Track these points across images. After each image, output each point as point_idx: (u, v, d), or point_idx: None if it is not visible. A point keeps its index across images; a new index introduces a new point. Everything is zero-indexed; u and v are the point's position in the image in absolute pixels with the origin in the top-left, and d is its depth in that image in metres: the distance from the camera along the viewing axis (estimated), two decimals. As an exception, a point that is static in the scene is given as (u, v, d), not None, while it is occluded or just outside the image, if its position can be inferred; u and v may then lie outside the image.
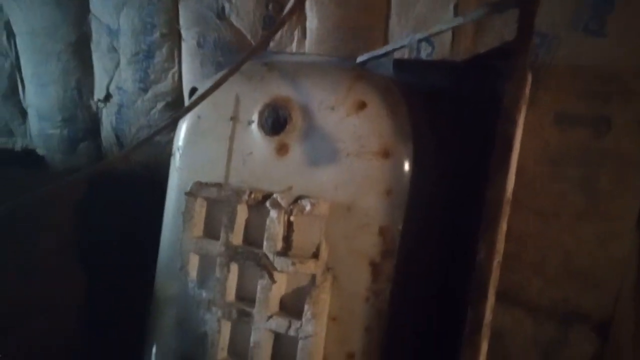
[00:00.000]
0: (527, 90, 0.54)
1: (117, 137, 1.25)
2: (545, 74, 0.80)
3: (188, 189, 0.69)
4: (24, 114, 1.40)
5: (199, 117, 0.73)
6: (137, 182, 1.24)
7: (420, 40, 0.72)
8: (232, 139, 0.70)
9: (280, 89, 0.68)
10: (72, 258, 1.09)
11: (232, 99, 0.70)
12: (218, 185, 0.68)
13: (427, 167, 0.65)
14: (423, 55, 0.88)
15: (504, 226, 0.56)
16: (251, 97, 0.69)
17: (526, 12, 0.52)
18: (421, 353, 0.65)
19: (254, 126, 0.68)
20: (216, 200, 0.68)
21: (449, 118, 0.73)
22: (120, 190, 1.23)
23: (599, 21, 0.75)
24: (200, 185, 0.69)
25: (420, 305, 0.65)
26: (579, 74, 0.78)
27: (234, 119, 0.70)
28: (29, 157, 1.35)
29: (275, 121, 0.66)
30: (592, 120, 0.80)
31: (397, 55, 0.88)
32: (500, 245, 0.56)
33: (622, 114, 0.77)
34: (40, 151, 1.38)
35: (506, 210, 0.56)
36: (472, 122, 0.70)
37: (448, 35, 0.85)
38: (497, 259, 0.56)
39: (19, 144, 1.45)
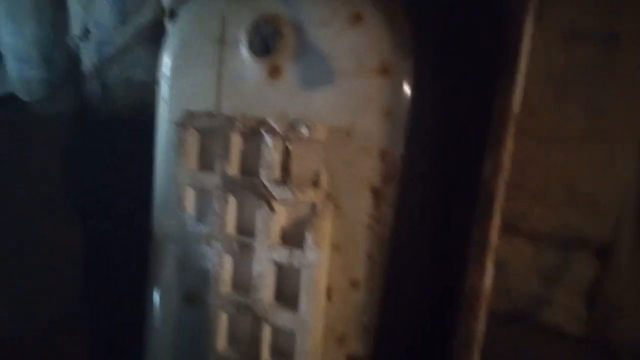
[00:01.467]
0: (534, 5, 0.49)
1: (100, 77, 1.19)
2: (553, -13, 0.74)
3: (178, 119, 0.65)
4: (0, 57, 1.32)
5: (182, 41, 0.68)
6: (123, 124, 1.19)
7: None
8: (220, 63, 0.65)
9: (269, 5, 0.62)
10: (62, 204, 1.07)
11: (218, 20, 0.65)
12: (209, 113, 0.64)
13: (428, 87, 0.61)
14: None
15: (509, 144, 0.54)
16: (238, 15, 0.64)
17: None
18: (424, 280, 0.64)
19: (243, 48, 0.63)
20: (208, 130, 0.64)
21: (452, 36, 0.68)
22: (107, 133, 1.19)
23: None
24: (190, 115, 0.65)
25: (422, 231, 0.63)
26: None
27: (221, 41, 0.65)
28: (11, 105, 1.29)
29: (265, 40, 0.61)
30: (600, 36, 0.75)
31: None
32: (507, 164, 0.53)
33: (632, 29, 0.73)
34: (21, 96, 1.32)
35: (512, 126, 0.53)
36: (476, 41, 0.65)
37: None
38: (503, 177, 0.53)
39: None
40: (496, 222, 0.53)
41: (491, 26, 0.56)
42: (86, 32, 1.16)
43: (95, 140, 1.19)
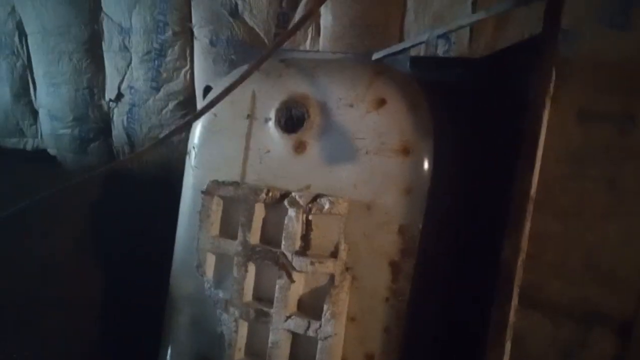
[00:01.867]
0: (552, 87, 0.53)
1: (129, 136, 1.25)
2: (568, 69, 0.79)
3: (204, 187, 0.68)
4: (35, 114, 1.40)
5: (215, 115, 0.72)
6: (149, 180, 1.24)
7: (438, 37, 0.71)
8: (248, 136, 0.69)
9: (298, 86, 0.67)
10: (87, 256, 1.09)
11: (249, 97, 0.70)
12: (235, 183, 0.67)
13: (447, 165, 0.64)
14: (440, 52, 0.87)
15: (527, 225, 0.55)
16: (268, 94, 0.68)
17: (553, 5, 0.51)
18: (441, 354, 0.64)
19: (271, 124, 0.67)
20: (233, 199, 0.67)
21: (468, 115, 0.72)
22: (134, 189, 1.24)
23: (624, 15, 0.74)
24: (216, 184, 0.68)
25: (440, 305, 0.63)
26: (602, 69, 0.77)
27: (251, 116, 0.69)
28: (40, 157, 1.35)
29: (293, 119, 0.65)
30: (616, 117, 0.78)
31: (413, 52, 0.87)
32: (524, 244, 0.55)
33: (647, 109, 0.76)
34: (51, 151, 1.38)
35: (530, 209, 0.55)
36: (492, 119, 0.68)
37: (466, 32, 0.83)
38: (522, 257, 0.54)
39: (30, 144, 1.46)
40: (515, 303, 0.54)
41: (511, 106, 0.59)
42: (120, 95, 1.23)
43: (121, 195, 1.23)
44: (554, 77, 0.56)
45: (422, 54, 0.88)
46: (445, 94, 0.73)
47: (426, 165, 0.61)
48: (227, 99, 0.70)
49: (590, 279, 0.82)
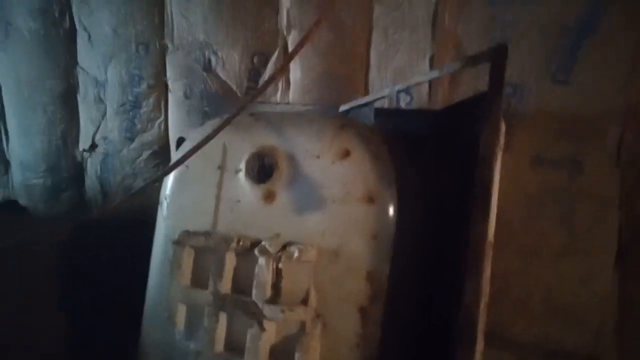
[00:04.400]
0: (502, 137, 0.57)
1: (102, 185, 1.25)
2: (519, 121, 0.85)
3: (175, 237, 0.69)
4: (6, 164, 1.39)
5: (187, 166, 0.75)
6: (122, 227, 1.23)
7: (399, 91, 0.76)
8: (219, 187, 0.71)
9: (267, 138, 0.70)
10: (57, 305, 1.07)
11: (220, 149, 0.72)
12: (206, 233, 0.69)
13: (411, 211, 0.67)
14: (402, 104, 0.92)
15: (488, 269, 0.58)
16: (238, 146, 0.71)
17: (497, 65, 0.56)
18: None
19: (241, 175, 0.70)
20: (204, 249, 0.68)
21: (429, 163, 0.76)
22: (107, 238, 1.23)
23: (564, 71, 0.81)
24: (187, 234, 0.69)
25: (409, 348, 0.65)
26: (550, 120, 0.83)
27: (222, 167, 0.72)
28: (10, 208, 1.33)
29: (262, 169, 0.68)
30: (565, 162, 0.84)
31: (377, 104, 0.92)
32: (486, 288, 0.57)
33: (593, 154, 0.82)
34: (22, 202, 1.37)
35: (489, 253, 0.58)
36: (451, 166, 0.72)
37: (425, 86, 0.89)
38: (484, 300, 0.57)
39: (0, 195, 1.44)
40: (480, 346, 0.56)
41: (466, 154, 0.63)
42: (94, 145, 1.24)
43: (94, 244, 1.22)
44: (503, 129, 0.61)
45: (386, 106, 0.93)
46: (407, 143, 0.78)
47: (390, 212, 0.64)
48: (199, 151, 0.73)
49: (552, 317, 0.85)
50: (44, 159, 1.30)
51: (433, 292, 0.68)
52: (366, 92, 0.95)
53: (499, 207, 0.88)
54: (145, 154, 1.17)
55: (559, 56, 0.80)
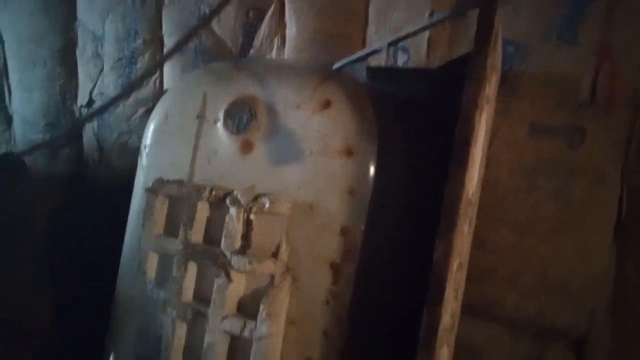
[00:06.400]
0: (486, 91, 0.53)
1: (98, 142, 1.25)
2: (520, 83, 0.80)
3: (148, 185, 0.68)
4: (9, 120, 1.40)
5: (166, 114, 0.73)
6: (116, 187, 1.23)
7: (390, 45, 0.71)
8: (197, 137, 0.69)
9: (247, 88, 0.67)
10: (49, 261, 1.07)
11: (200, 98, 0.70)
12: (179, 182, 0.67)
13: (393, 169, 0.64)
14: (400, 63, 0.88)
15: (464, 228, 0.55)
16: (218, 95, 0.69)
17: (485, 11, 0.52)
18: (383, 357, 0.62)
19: (220, 125, 0.67)
20: (177, 198, 0.67)
21: (421, 124, 0.72)
22: (101, 194, 1.23)
23: (571, 30, 0.75)
24: (161, 182, 0.67)
25: (382, 309, 0.62)
26: (553, 83, 0.78)
27: (201, 117, 0.69)
28: (8, 161, 1.33)
29: (240, 119, 0.65)
30: (566, 130, 0.79)
31: (374, 64, 0.88)
32: (460, 247, 0.54)
33: (596, 123, 0.77)
34: (20, 156, 1.37)
35: (466, 211, 0.55)
36: (441, 127, 0.69)
37: (424, 44, 0.85)
38: (457, 259, 0.54)
39: (2, 150, 1.45)
40: (448, 305, 0.53)
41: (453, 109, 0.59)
42: (91, 101, 1.23)
43: (90, 199, 1.23)
44: (491, 82, 0.57)
45: (382, 65, 0.89)
46: (396, 100, 0.74)
47: (369, 167, 0.61)
48: (179, 99, 0.70)
49: (545, 293, 0.82)
50: (44, 115, 1.30)
51: (411, 254, 0.65)
52: (363, 51, 0.91)
53: (494, 178, 0.84)
54: (141, 110, 1.16)
55: (567, 12, 0.74)
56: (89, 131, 1.26)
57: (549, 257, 0.82)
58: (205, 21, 0.67)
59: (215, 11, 0.67)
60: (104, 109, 0.71)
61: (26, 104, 1.32)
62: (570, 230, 0.80)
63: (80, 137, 1.28)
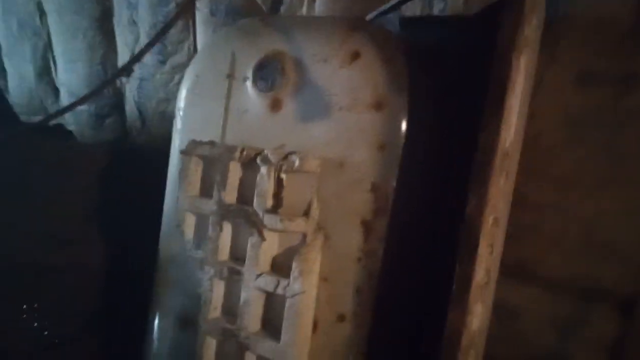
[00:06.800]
0: (526, 32, 0.49)
1: (140, 111, 1.28)
2: (566, 27, 0.74)
3: (182, 147, 0.69)
4: (56, 91, 1.46)
5: (197, 76, 0.73)
6: (159, 153, 1.27)
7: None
8: (228, 97, 0.69)
9: (275, 44, 0.66)
10: (95, 227, 1.13)
11: (229, 56, 0.69)
12: (211, 142, 0.67)
13: (426, 123, 0.61)
14: (436, 11, 0.83)
15: (500, 181, 0.52)
16: (247, 53, 0.68)
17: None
18: (416, 318, 0.62)
19: (249, 83, 0.67)
20: (210, 158, 0.67)
21: (458, 75, 0.69)
22: (143, 162, 1.27)
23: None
24: (194, 144, 0.68)
25: (415, 267, 0.61)
26: (604, 26, 0.71)
27: (230, 76, 0.69)
28: (58, 132, 1.40)
29: (269, 77, 0.64)
30: (618, 77, 0.73)
31: (409, 13, 0.84)
32: (495, 201, 0.52)
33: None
34: (70, 127, 1.43)
35: (503, 163, 0.52)
36: (482, 78, 0.65)
37: (461, -10, 0.80)
38: (492, 214, 0.52)
39: (52, 121, 1.51)
40: (483, 261, 0.51)
41: (486, 61, 0.56)
42: (130, 70, 1.26)
43: (134, 166, 1.27)
44: (532, 22, 0.53)
45: (418, 13, 0.85)
46: (431, 52, 0.71)
47: (400, 120, 0.59)
48: (209, 59, 0.70)
49: (590, 252, 0.78)
50: (87, 85, 1.34)
51: (445, 212, 0.63)
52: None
53: (535, 131, 0.79)
54: (177, 77, 1.17)
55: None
56: (130, 100, 1.29)
57: (595, 215, 0.78)
58: None
59: None
60: (124, 68, 0.71)
61: (71, 75, 1.37)
62: (617, 186, 0.75)
63: (123, 107, 1.32)
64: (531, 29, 0.52)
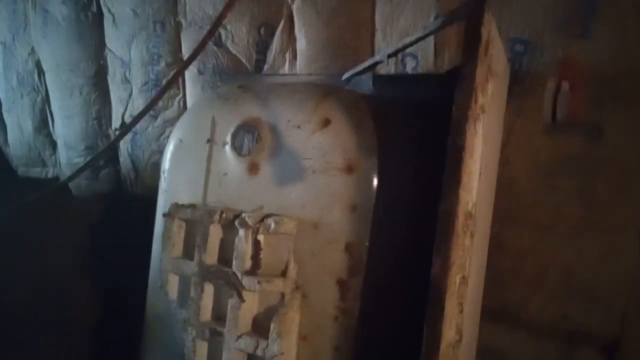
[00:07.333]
0: (480, 100, 0.53)
1: (133, 162, 1.31)
2: (532, 81, 0.78)
3: (165, 210, 0.71)
4: (54, 144, 1.50)
5: (180, 140, 0.76)
6: (152, 203, 1.30)
7: (390, 56, 0.71)
8: (209, 160, 0.72)
9: (252, 110, 0.69)
10: (87, 276, 1.15)
11: (210, 122, 0.73)
12: (192, 206, 0.70)
13: (396, 182, 0.64)
14: (409, 69, 0.87)
15: (465, 242, 0.54)
16: (226, 119, 0.71)
17: (472, 21, 0.51)
18: (394, 373, 0.63)
19: (228, 147, 0.70)
20: (192, 221, 0.70)
21: (429, 131, 0.72)
22: (136, 213, 1.29)
23: (582, 24, 0.72)
24: (176, 207, 0.71)
25: (391, 322, 0.63)
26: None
27: (211, 141, 0.72)
28: (54, 185, 1.43)
29: (246, 142, 0.68)
30: (584, 127, 0.76)
31: (384, 71, 0.88)
32: (461, 261, 0.54)
33: (615, 118, 0.73)
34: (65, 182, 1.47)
35: (467, 224, 0.54)
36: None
37: (430, 49, 0.84)
38: (459, 274, 0.54)
39: (50, 173, 1.55)
40: (453, 321, 0.53)
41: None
42: (123, 124, 1.30)
43: (127, 216, 1.29)
44: (484, 89, 0.56)
45: (392, 72, 0.89)
46: (403, 111, 0.74)
47: (371, 182, 0.62)
48: (191, 124, 0.74)
49: (571, 296, 0.79)
50: (83, 139, 1.38)
51: (423, 268, 0.65)
52: (372, 59, 0.91)
53: (510, 178, 0.82)
54: (168, 130, 1.21)
55: (577, 6, 0.71)
56: (125, 152, 1.33)
57: (573, 259, 0.79)
58: (209, 35, 0.70)
59: (216, 24, 0.69)
60: (125, 131, 0.76)
61: (67, 129, 1.41)
62: (594, 230, 0.77)
63: (117, 158, 1.36)
64: (486, 96, 0.55)
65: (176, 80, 0.96)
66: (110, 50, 1.27)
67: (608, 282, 0.76)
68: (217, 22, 0.62)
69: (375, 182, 0.62)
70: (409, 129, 0.71)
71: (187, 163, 0.75)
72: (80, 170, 0.96)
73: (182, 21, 1.11)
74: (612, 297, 0.76)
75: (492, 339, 0.84)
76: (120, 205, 1.35)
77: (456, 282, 0.53)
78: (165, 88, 0.77)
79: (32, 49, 1.44)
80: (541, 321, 0.82)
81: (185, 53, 1.13)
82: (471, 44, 0.51)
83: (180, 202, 0.73)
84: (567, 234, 0.78)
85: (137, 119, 0.78)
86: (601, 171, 0.75)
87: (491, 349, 0.84)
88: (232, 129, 0.70)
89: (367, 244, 0.61)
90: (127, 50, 1.24)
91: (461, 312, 0.56)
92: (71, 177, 1.09)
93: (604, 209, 0.75)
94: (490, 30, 0.54)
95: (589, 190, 0.76)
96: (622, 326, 0.76)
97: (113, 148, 1.31)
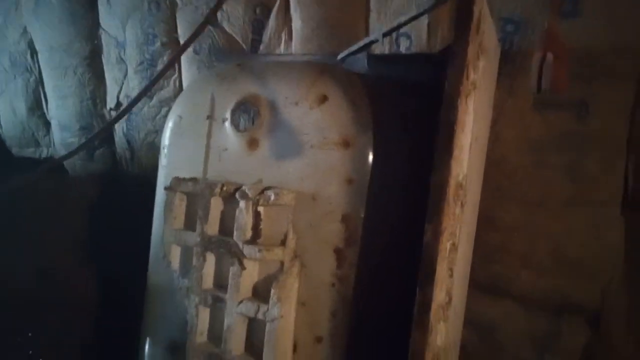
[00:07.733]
0: (472, 77, 0.55)
1: (128, 142, 1.33)
2: (522, 60, 0.80)
3: (167, 184, 0.74)
4: (48, 125, 1.50)
5: (180, 117, 0.78)
6: (147, 182, 1.31)
7: (385, 35, 0.73)
8: (209, 136, 0.74)
9: (250, 87, 0.71)
10: (85, 257, 1.17)
11: (209, 99, 0.75)
12: (193, 179, 0.72)
13: (391, 157, 0.67)
14: (403, 49, 0.90)
15: (455, 210, 0.58)
16: (225, 96, 0.73)
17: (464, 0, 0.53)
18: (387, 337, 0.66)
19: (227, 123, 0.72)
20: (193, 194, 0.72)
21: (422, 109, 0.74)
22: (134, 191, 1.31)
23: (573, 3, 0.75)
24: (178, 180, 0.73)
25: (385, 290, 0.66)
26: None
27: (210, 117, 0.74)
28: (49, 166, 1.44)
29: (245, 118, 0.70)
30: (572, 104, 0.79)
31: (379, 50, 0.90)
32: (452, 228, 0.57)
33: (601, 95, 0.76)
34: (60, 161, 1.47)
35: (457, 194, 0.58)
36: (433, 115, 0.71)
37: (424, 29, 0.86)
38: (449, 240, 0.57)
39: (44, 153, 1.56)
40: (443, 283, 0.56)
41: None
42: (118, 104, 1.31)
43: (124, 196, 1.31)
44: (476, 66, 0.59)
45: (386, 51, 0.91)
46: (396, 89, 0.77)
47: (366, 156, 0.65)
48: (190, 101, 0.75)
49: (559, 270, 0.83)
50: (77, 119, 1.39)
51: (415, 238, 0.68)
52: (366, 39, 0.93)
53: (500, 155, 0.85)
54: (164, 110, 1.22)
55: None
56: (120, 132, 1.34)
57: (562, 233, 0.83)
58: (208, 18, 0.71)
59: (217, 6, 0.71)
60: (125, 111, 0.78)
61: (61, 110, 1.42)
62: (580, 206, 0.81)
63: (112, 138, 1.37)
64: (478, 73, 0.58)
65: (173, 64, 0.96)
66: (105, 30, 1.28)
67: (595, 255, 0.80)
68: (218, 5, 0.63)
69: (370, 157, 0.65)
70: (403, 108, 0.74)
71: (187, 139, 0.77)
72: (76, 151, 0.97)
73: (177, 0, 1.12)
74: (598, 269, 0.80)
75: (484, 311, 0.88)
76: (117, 184, 1.37)
77: (447, 248, 0.57)
78: (161, 73, 0.78)
79: (25, 29, 1.43)
80: (530, 293, 0.86)
81: (181, 33, 1.14)
82: (463, 22, 0.53)
83: (176, 176, 0.75)
84: (556, 209, 0.82)
85: (133, 102, 0.79)
86: (589, 147, 0.78)
87: (483, 320, 0.88)
88: (231, 106, 0.72)
89: (362, 215, 0.64)
90: (121, 30, 1.24)
91: (451, 276, 0.59)
92: (66, 156, 1.09)
93: (591, 185, 0.79)
94: (481, 8, 0.57)
95: (577, 167, 0.80)
96: (605, 297, 0.80)
97: (109, 130, 1.32)
